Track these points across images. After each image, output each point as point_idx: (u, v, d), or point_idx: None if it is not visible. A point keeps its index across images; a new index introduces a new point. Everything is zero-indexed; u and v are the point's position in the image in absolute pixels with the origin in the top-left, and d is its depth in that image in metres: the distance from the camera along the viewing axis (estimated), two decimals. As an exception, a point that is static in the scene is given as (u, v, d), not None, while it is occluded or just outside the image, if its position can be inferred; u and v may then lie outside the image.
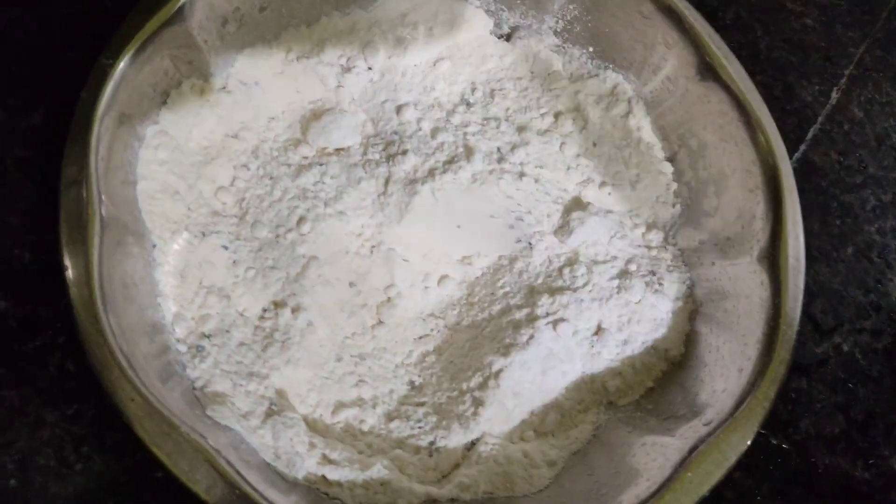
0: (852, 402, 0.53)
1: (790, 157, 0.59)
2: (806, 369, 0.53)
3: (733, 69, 0.45)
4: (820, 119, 0.61)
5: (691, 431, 0.39)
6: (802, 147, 0.60)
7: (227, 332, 0.42)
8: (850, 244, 0.57)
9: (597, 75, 0.52)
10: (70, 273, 0.36)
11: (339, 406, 0.43)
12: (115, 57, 0.39)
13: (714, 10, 0.63)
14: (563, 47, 0.52)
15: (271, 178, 0.46)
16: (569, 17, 0.51)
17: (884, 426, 0.53)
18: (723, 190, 0.47)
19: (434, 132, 0.49)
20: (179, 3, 0.40)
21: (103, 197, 0.36)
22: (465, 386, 0.44)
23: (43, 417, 0.44)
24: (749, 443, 0.39)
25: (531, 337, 0.44)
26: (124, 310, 0.37)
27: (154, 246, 0.41)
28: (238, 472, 0.34)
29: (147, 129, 0.42)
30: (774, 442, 0.51)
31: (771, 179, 0.42)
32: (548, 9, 0.50)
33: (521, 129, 0.50)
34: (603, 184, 0.50)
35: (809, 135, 0.61)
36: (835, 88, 0.63)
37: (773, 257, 0.42)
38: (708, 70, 0.45)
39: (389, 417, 0.43)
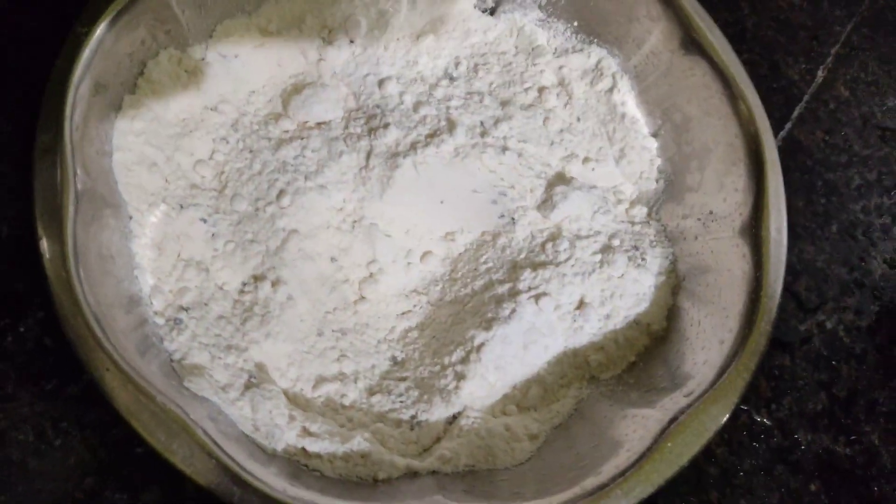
0: (835, 380, 0.53)
1: (776, 136, 0.59)
2: (789, 347, 0.53)
3: (717, 42, 0.44)
4: (806, 98, 0.61)
5: (672, 403, 0.39)
6: (788, 125, 0.60)
7: (206, 305, 0.41)
8: (835, 222, 0.57)
9: (581, 50, 0.51)
10: (44, 244, 0.36)
11: (320, 380, 0.42)
12: (91, 25, 0.38)
13: (701, -13, 0.63)
14: (548, 21, 0.52)
15: (251, 151, 0.45)
16: (553, -9, 0.50)
17: (865, 403, 0.53)
18: (706, 164, 0.47)
19: (416, 106, 0.49)
20: (156, -28, 0.40)
21: (77, 167, 0.36)
22: (446, 360, 0.44)
23: (21, 394, 0.43)
24: (729, 414, 0.39)
25: (513, 311, 0.44)
26: (101, 282, 0.37)
27: (131, 218, 0.41)
28: (215, 443, 0.33)
29: (124, 98, 0.41)
30: (758, 418, 0.51)
31: (753, 151, 0.42)
32: (532, -18, 0.50)
33: (504, 103, 0.50)
34: (587, 159, 0.49)
35: (795, 113, 0.60)
36: (821, 67, 0.62)
37: (754, 230, 0.41)
38: (692, 43, 0.45)
39: (371, 392, 0.43)
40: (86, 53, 0.37)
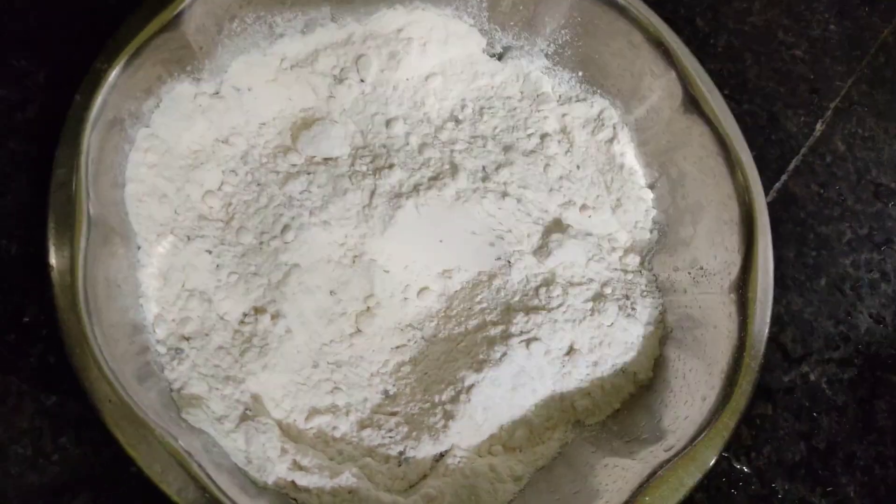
0: (815, 431, 0.54)
1: (771, 187, 0.60)
2: (772, 396, 0.54)
3: (716, 104, 0.46)
4: (803, 150, 0.62)
5: (652, 456, 0.40)
6: (784, 177, 0.61)
7: (207, 335, 0.43)
8: (824, 275, 0.59)
9: (584, 99, 0.53)
10: (55, 274, 0.37)
11: (313, 412, 0.44)
12: (111, 61, 0.39)
13: (706, 36, 0.64)
14: (553, 70, 0.53)
15: (259, 184, 0.47)
16: (560, 42, 0.52)
17: (844, 455, 0.54)
18: (699, 219, 0.48)
19: (421, 148, 0.50)
20: (178, 9, 0.41)
21: (91, 198, 0.37)
22: (437, 398, 0.45)
23: (22, 408, 0.45)
24: (707, 470, 0.41)
25: (504, 354, 0.45)
26: (106, 309, 0.38)
27: (139, 248, 0.42)
28: (209, 476, 0.35)
29: (138, 131, 0.43)
30: (737, 466, 0.52)
31: (746, 216, 0.43)
32: (540, 32, 0.51)
33: (507, 148, 0.51)
34: (584, 206, 0.51)
35: (791, 165, 0.62)
36: (819, 121, 0.64)
37: (741, 291, 0.43)
38: (692, 103, 0.46)
39: (362, 425, 0.44)
40: (103, 92, 0.38)
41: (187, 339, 0.42)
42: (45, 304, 0.46)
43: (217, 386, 0.41)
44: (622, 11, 0.47)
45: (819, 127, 0.64)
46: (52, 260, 0.37)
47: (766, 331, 0.44)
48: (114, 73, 0.39)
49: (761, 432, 0.53)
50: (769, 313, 0.44)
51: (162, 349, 0.41)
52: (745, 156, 0.45)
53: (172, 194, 0.44)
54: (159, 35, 0.41)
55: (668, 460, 0.39)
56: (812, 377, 0.56)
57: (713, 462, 0.41)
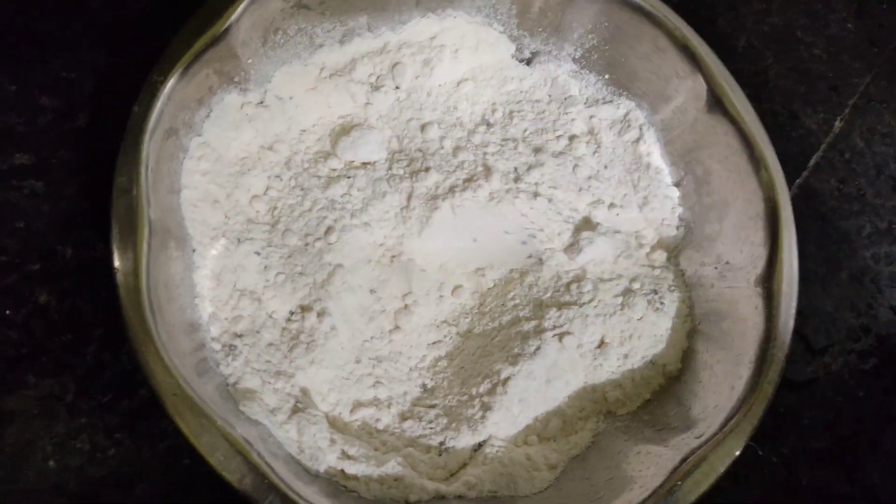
0: (838, 420, 0.56)
1: (792, 183, 0.62)
2: (796, 386, 0.56)
3: (741, 104, 0.47)
4: (822, 147, 0.64)
5: (683, 443, 0.42)
6: (804, 173, 0.63)
7: (258, 332, 0.45)
8: (845, 269, 0.60)
9: (611, 101, 0.54)
10: (120, 277, 0.39)
11: (357, 405, 0.46)
12: (166, 74, 0.42)
13: (727, 36, 0.66)
14: (581, 73, 0.55)
15: (302, 188, 0.49)
16: (587, 46, 0.54)
17: (867, 443, 0.55)
18: (724, 216, 0.50)
19: (455, 151, 0.52)
20: (227, 23, 0.43)
21: (151, 206, 0.40)
22: (474, 391, 0.47)
23: (80, 405, 0.47)
24: (736, 455, 0.42)
25: (538, 348, 0.47)
26: (166, 309, 0.40)
27: (194, 250, 0.44)
28: (268, 464, 0.37)
29: (191, 140, 0.45)
30: (762, 454, 0.54)
31: (771, 212, 0.45)
32: (568, 37, 0.53)
33: (537, 150, 0.53)
34: (612, 205, 0.52)
35: (812, 162, 0.63)
36: (838, 117, 0.65)
37: (768, 284, 0.44)
38: (717, 104, 0.48)
39: (403, 417, 0.46)
40: (160, 103, 0.40)
41: (240, 336, 0.44)
42: (99, 305, 0.49)
43: (269, 380, 0.43)
44: (648, 16, 0.49)
45: (838, 124, 0.65)
46: (117, 263, 0.40)
47: (792, 323, 0.45)
48: (169, 85, 0.41)
49: (786, 421, 0.55)
50: (794, 305, 0.45)
51: (217, 346, 0.44)
52: (768, 153, 0.47)
53: (223, 199, 0.46)
54: (210, 48, 0.43)
55: (700, 446, 0.41)
56: (834, 368, 0.57)
57: (742, 448, 0.42)
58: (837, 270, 0.60)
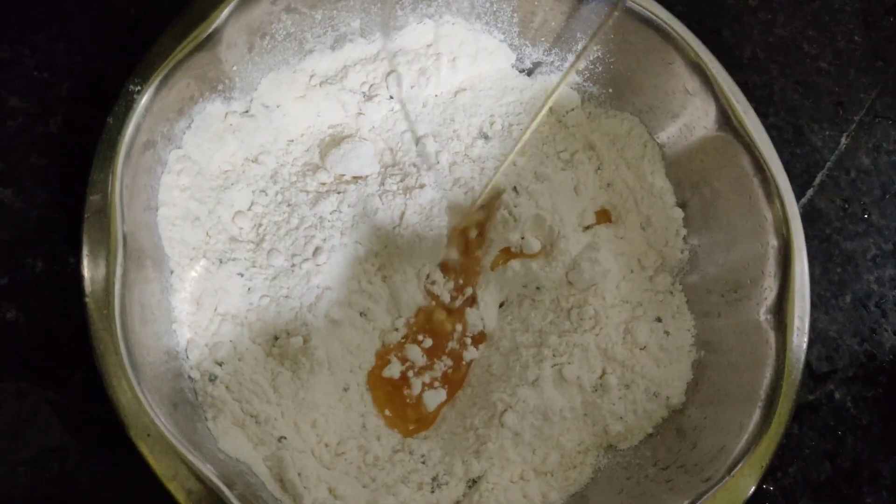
0: (840, 450, 0.54)
1: (797, 203, 0.60)
2: (798, 415, 0.54)
3: (752, 125, 0.45)
4: (828, 165, 0.62)
5: (689, 486, 0.40)
6: (809, 192, 0.61)
7: (240, 360, 0.42)
8: (849, 292, 0.58)
9: (615, 116, 0.52)
10: (91, 302, 0.36)
11: (345, 438, 0.43)
12: (143, 83, 0.39)
13: (731, 47, 0.63)
14: (583, 86, 0.52)
15: (289, 204, 0.46)
16: (591, 57, 0.51)
17: (868, 475, 0.54)
18: (733, 241, 0.47)
19: (452, 166, 0.49)
20: (212, 28, 0.40)
21: (125, 224, 0.37)
22: (469, 423, 0.45)
23: (51, 428, 0.44)
24: (746, 499, 0.40)
25: (537, 378, 0.45)
26: (141, 336, 0.38)
27: (172, 272, 0.41)
28: (249, 510, 0.34)
29: (170, 153, 0.42)
30: (763, 486, 0.52)
31: (782, 241, 0.43)
32: (571, 48, 0.51)
33: (537, 166, 0.50)
34: (614, 226, 0.50)
35: (817, 180, 0.61)
36: (844, 134, 0.63)
37: (779, 317, 0.42)
38: (727, 123, 0.46)
39: (394, 450, 0.44)
40: (136, 115, 0.37)
41: (220, 363, 0.42)
42: (71, 322, 0.46)
43: (251, 413, 0.41)
44: (658, 30, 0.46)
45: (844, 141, 0.63)
46: (88, 286, 0.37)
47: (803, 357, 0.43)
48: (146, 96, 0.38)
49: (787, 451, 0.53)
50: (806, 339, 0.44)
51: (196, 374, 0.41)
52: (781, 179, 0.45)
53: (204, 216, 0.43)
54: (192, 55, 0.40)
55: (707, 491, 0.39)
56: (837, 396, 0.56)
57: (753, 490, 0.40)
58: (842, 294, 0.58)
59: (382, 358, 0.46)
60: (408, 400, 0.46)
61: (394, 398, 0.46)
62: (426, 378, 0.46)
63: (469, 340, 0.48)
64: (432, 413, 0.46)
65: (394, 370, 0.46)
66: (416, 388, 0.46)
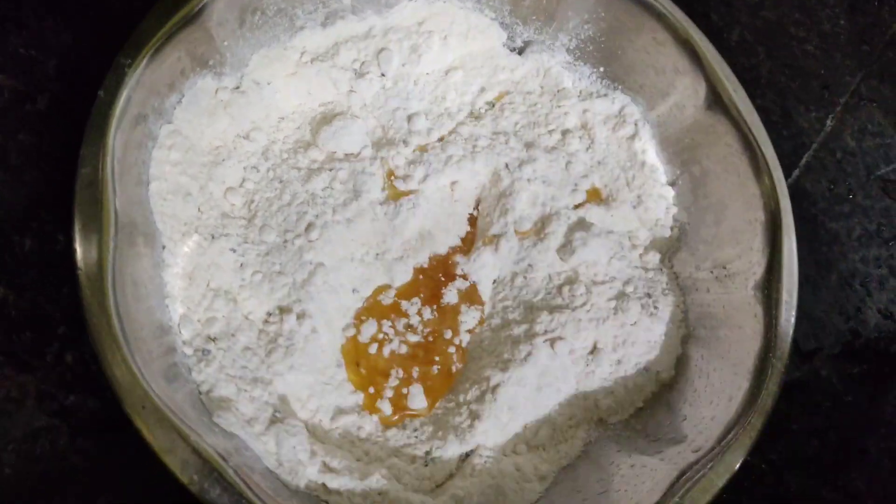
0: (827, 427, 0.55)
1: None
2: (785, 392, 0.55)
3: (742, 104, 0.46)
4: (814, 146, 0.63)
5: (680, 456, 0.41)
6: (795, 173, 0.61)
7: (233, 335, 0.42)
8: (835, 271, 0.59)
9: (606, 95, 0.52)
10: (83, 277, 0.36)
11: (339, 412, 0.43)
12: (134, 57, 0.38)
13: (719, 30, 0.64)
14: (575, 65, 0.53)
15: (281, 181, 0.46)
16: (583, 37, 0.51)
17: (855, 450, 0.55)
18: (722, 219, 0.48)
19: (444, 145, 0.49)
20: (202, 2, 0.40)
21: (117, 198, 0.36)
22: (461, 398, 0.45)
23: (40, 407, 0.44)
24: (736, 469, 0.41)
25: (529, 353, 0.45)
26: (134, 310, 0.37)
27: (164, 247, 0.41)
28: (244, 481, 0.34)
29: (161, 128, 0.42)
30: (751, 461, 0.53)
31: (771, 217, 0.43)
32: (563, 27, 0.51)
33: (528, 145, 0.50)
34: (605, 204, 0.50)
35: (803, 161, 0.62)
36: (830, 116, 0.64)
37: (767, 292, 0.43)
38: (717, 102, 0.46)
39: (387, 426, 0.44)
40: (128, 88, 0.37)
41: (213, 339, 0.41)
42: (61, 301, 0.46)
43: (245, 387, 0.41)
44: (649, 8, 0.47)
45: (829, 122, 0.64)
46: (80, 261, 0.36)
47: (791, 331, 0.44)
48: (139, 69, 0.38)
49: (775, 428, 0.54)
50: (794, 314, 0.44)
51: (189, 350, 0.41)
52: (770, 156, 0.45)
53: (196, 192, 0.43)
54: (182, 29, 0.40)
55: (697, 461, 0.39)
56: (823, 373, 0.56)
57: (741, 463, 0.41)
58: (827, 273, 0.59)
59: (358, 318, 0.46)
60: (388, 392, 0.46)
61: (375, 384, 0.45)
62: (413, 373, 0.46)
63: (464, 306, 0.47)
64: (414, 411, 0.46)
65: (370, 330, 0.45)
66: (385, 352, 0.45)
